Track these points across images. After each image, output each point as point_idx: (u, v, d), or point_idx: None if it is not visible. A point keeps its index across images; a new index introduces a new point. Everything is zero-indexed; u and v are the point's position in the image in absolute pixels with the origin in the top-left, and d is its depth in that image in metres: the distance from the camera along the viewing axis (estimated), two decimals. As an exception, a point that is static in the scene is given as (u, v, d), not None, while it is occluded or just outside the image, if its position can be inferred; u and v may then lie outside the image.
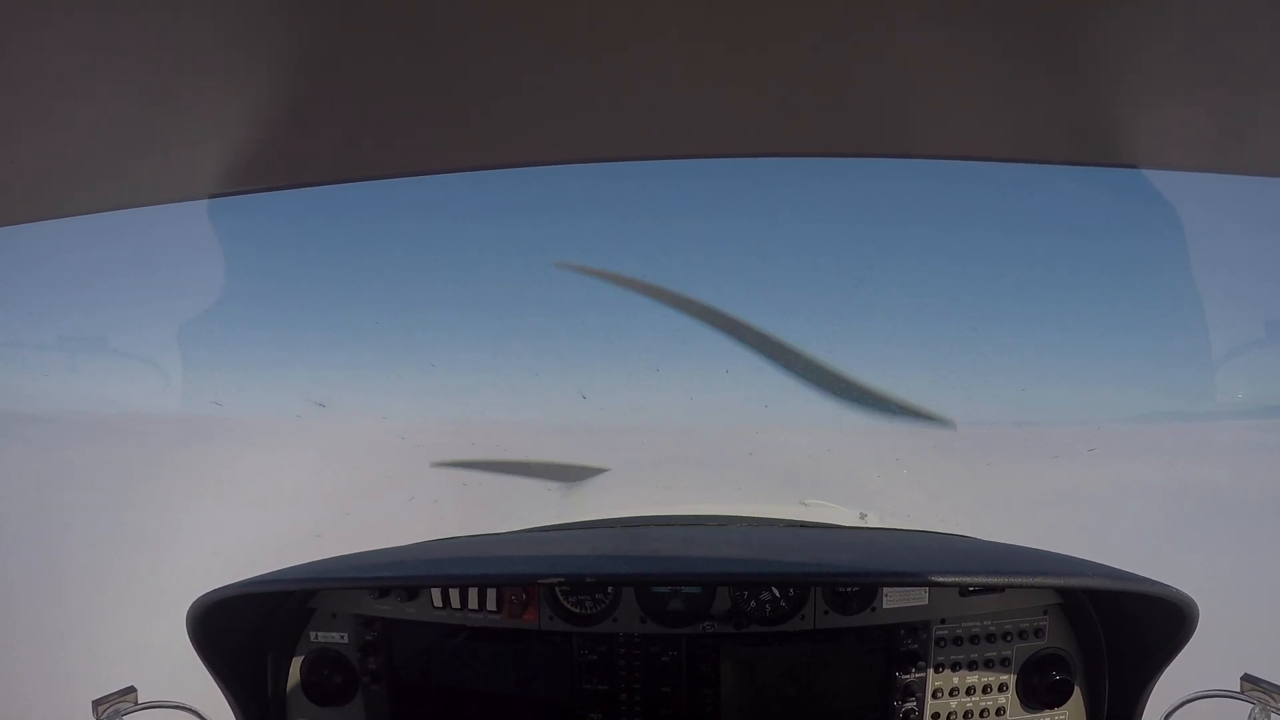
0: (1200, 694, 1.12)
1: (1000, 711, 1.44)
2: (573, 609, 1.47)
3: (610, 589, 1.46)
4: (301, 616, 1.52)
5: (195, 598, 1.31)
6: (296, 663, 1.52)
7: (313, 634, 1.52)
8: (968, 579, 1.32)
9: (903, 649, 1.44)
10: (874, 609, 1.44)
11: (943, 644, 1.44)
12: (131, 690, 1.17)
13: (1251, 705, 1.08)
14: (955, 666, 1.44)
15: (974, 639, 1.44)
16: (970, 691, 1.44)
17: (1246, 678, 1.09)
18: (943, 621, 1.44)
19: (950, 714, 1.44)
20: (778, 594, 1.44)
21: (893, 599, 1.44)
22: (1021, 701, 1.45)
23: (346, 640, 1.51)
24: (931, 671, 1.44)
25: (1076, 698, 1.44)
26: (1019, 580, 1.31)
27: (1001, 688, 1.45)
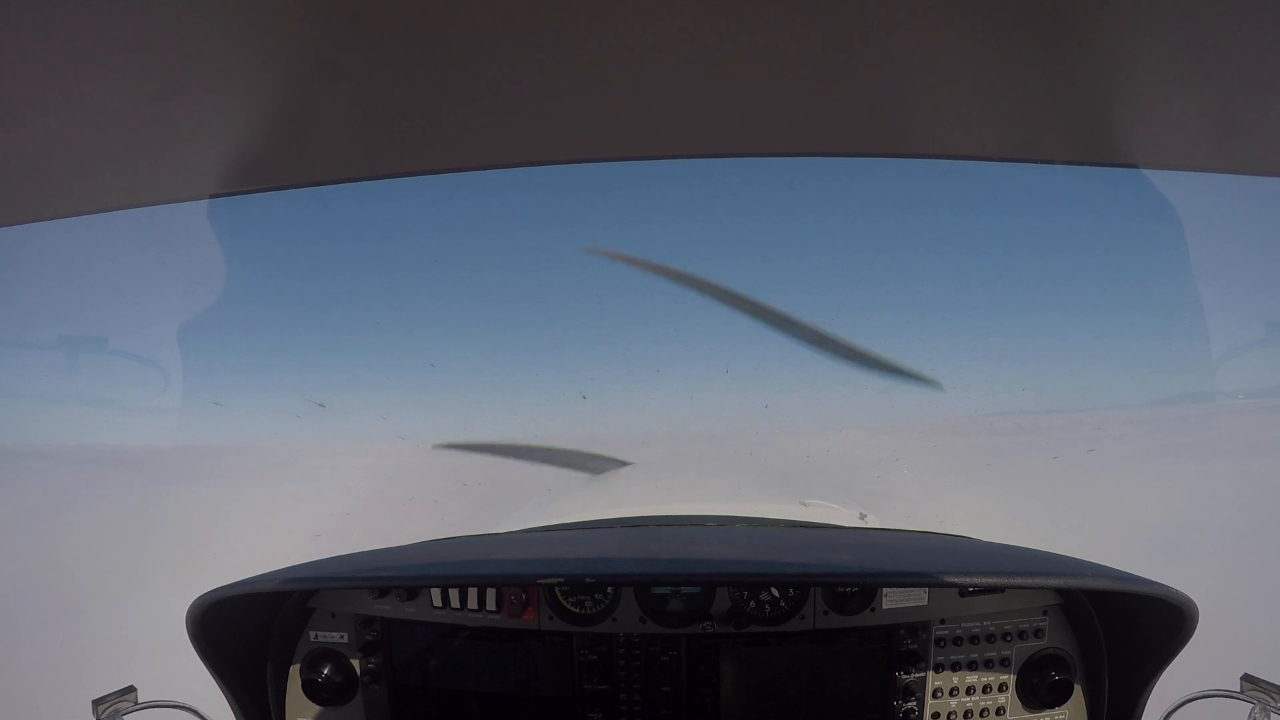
0: (1200, 694, 1.12)
1: (1000, 711, 1.44)
2: (572, 609, 1.47)
3: (610, 589, 1.46)
4: (301, 616, 1.52)
5: (195, 598, 1.31)
6: (296, 662, 1.52)
7: (312, 634, 1.52)
8: (968, 579, 1.32)
9: (902, 649, 1.44)
10: (873, 609, 1.44)
11: (943, 644, 1.44)
12: (131, 690, 1.17)
13: (1251, 705, 1.08)
14: (955, 666, 1.44)
15: (974, 639, 1.44)
16: (970, 691, 1.44)
17: (1246, 678, 1.09)
18: (942, 622, 1.44)
19: (950, 714, 1.44)
20: (777, 594, 1.44)
21: (892, 599, 1.44)
22: (1022, 701, 1.45)
23: (346, 640, 1.51)
24: (931, 671, 1.44)
25: (1077, 697, 1.44)
26: (1019, 581, 1.31)
27: (1001, 687, 1.45)
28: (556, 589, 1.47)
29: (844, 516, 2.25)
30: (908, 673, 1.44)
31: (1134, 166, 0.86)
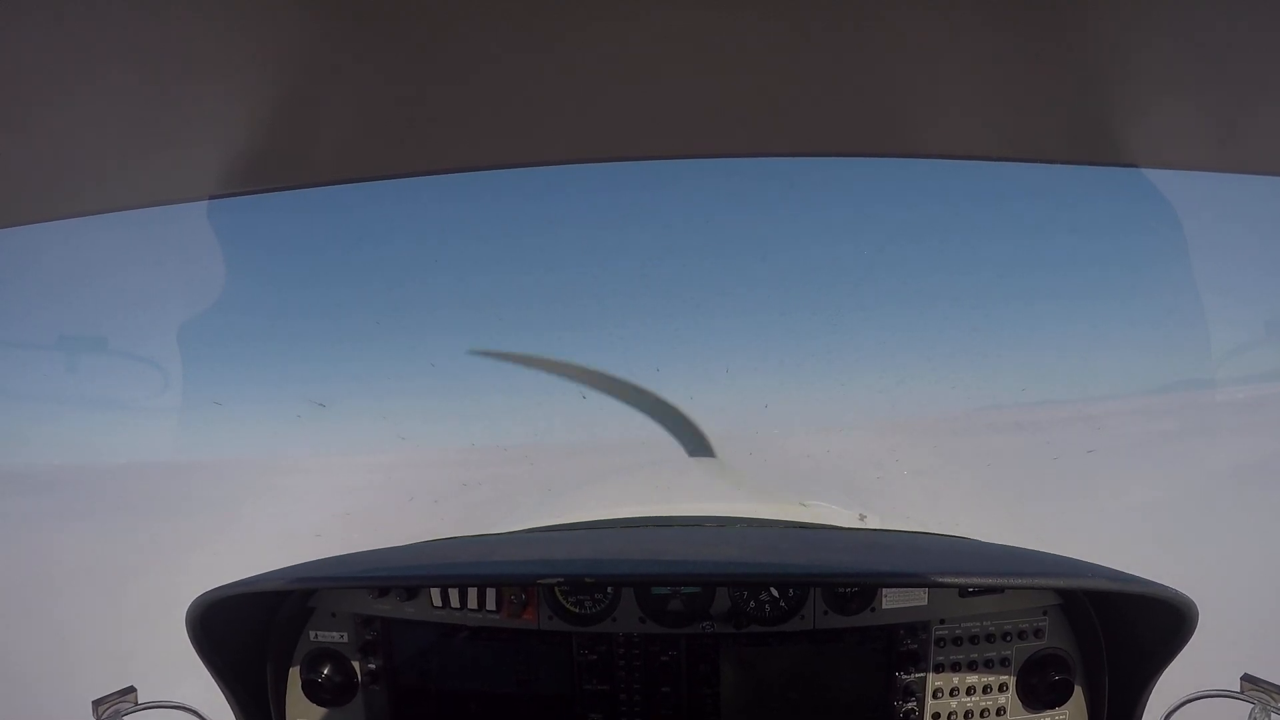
0: (1200, 694, 1.12)
1: (1000, 711, 1.44)
2: (572, 609, 1.47)
3: (610, 589, 1.46)
4: (301, 616, 1.52)
5: (194, 597, 1.31)
6: (296, 662, 1.52)
7: (312, 633, 1.52)
8: (967, 580, 1.32)
9: (902, 649, 1.44)
10: (873, 609, 1.44)
11: (942, 644, 1.44)
12: (131, 690, 1.17)
13: (1251, 705, 1.08)
14: (955, 667, 1.44)
15: (974, 639, 1.44)
16: (970, 692, 1.44)
17: (1246, 677, 1.09)
18: (942, 622, 1.44)
19: (950, 714, 1.44)
20: (777, 594, 1.44)
21: (892, 599, 1.44)
22: (1022, 702, 1.44)
23: (346, 640, 1.51)
24: (931, 672, 1.44)
25: (1077, 698, 1.44)
26: (1019, 581, 1.30)
27: (1002, 688, 1.45)
28: (556, 589, 1.47)
29: (844, 517, 2.25)
30: (908, 673, 1.44)
31: (1134, 166, 0.86)
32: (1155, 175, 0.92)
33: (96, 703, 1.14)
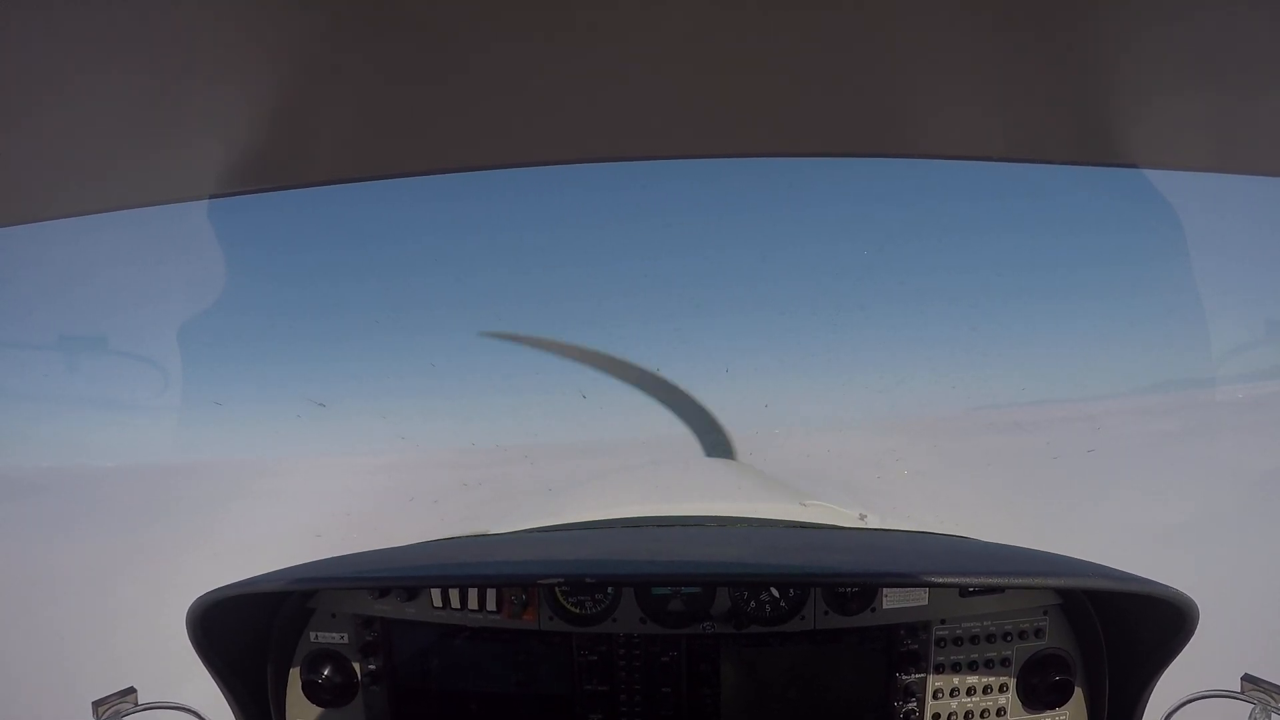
0: (1201, 694, 1.12)
1: (1001, 712, 1.44)
2: (572, 609, 1.47)
3: (610, 589, 1.46)
4: (301, 616, 1.52)
5: (195, 597, 1.31)
6: (296, 663, 1.52)
7: (312, 634, 1.52)
8: (968, 580, 1.32)
9: (903, 649, 1.44)
10: (874, 609, 1.44)
11: (943, 644, 1.44)
12: (131, 691, 1.17)
13: (1252, 705, 1.08)
14: (955, 667, 1.44)
15: (974, 639, 1.44)
16: (971, 692, 1.44)
17: (1247, 677, 1.09)
18: (943, 622, 1.44)
19: (951, 714, 1.44)
20: (777, 594, 1.44)
21: (892, 599, 1.44)
22: (1022, 702, 1.44)
23: (346, 640, 1.51)
24: (932, 672, 1.44)
25: (1077, 698, 1.44)
26: (1019, 581, 1.30)
27: (1002, 688, 1.45)
28: (556, 589, 1.47)
29: (844, 517, 2.25)
30: (908, 673, 1.44)
31: (1134, 166, 0.86)
32: (1155, 175, 0.92)
33: (97, 703, 1.14)
